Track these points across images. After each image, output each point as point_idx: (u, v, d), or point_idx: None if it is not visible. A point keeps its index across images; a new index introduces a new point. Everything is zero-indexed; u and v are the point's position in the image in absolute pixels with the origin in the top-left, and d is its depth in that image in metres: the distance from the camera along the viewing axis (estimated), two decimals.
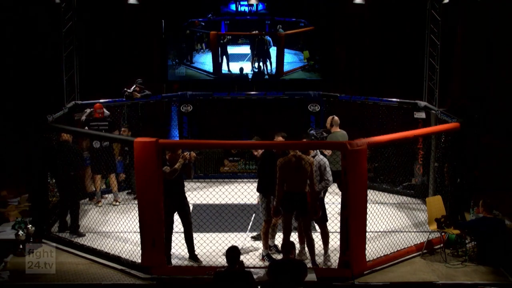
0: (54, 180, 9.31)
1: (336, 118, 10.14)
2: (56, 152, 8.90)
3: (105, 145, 9.92)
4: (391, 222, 8.66)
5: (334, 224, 8.28)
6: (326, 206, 8.25)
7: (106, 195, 10.70)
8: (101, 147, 9.89)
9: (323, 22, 12.85)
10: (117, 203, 10.31)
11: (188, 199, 10.13)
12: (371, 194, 8.52)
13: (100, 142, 9.87)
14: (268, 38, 12.75)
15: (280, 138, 8.20)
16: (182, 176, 8.12)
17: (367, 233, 7.91)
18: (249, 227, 9.03)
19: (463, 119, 9.08)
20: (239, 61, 12.89)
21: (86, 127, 10.27)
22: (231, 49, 12.88)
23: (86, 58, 12.12)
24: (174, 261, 8.10)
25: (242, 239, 8.28)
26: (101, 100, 11.05)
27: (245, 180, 10.34)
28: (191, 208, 8.35)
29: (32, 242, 8.20)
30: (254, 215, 9.15)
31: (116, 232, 8.75)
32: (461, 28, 12.79)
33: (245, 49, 12.88)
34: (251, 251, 8.39)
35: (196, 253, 8.17)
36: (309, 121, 12.13)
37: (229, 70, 12.79)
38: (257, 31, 12.75)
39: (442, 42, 10.43)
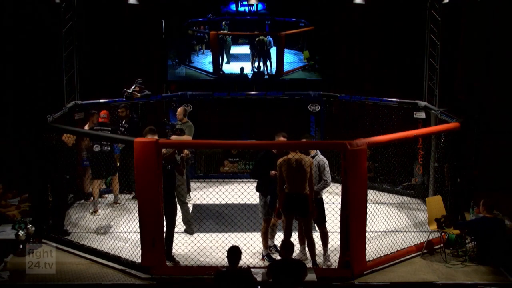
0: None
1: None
2: (52, 153, 8.86)
3: (105, 150, 9.88)
4: (391, 222, 8.66)
5: (334, 224, 8.28)
6: (326, 206, 8.25)
7: (106, 195, 10.68)
8: (101, 151, 9.85)
9: (323, 22, 12.84)
10: (117, 205, 10.26)
11: (188, 199, 10.16)
12: (371, 194, 8.51)
13: (100, 146, 9.84)
14: (269, 38, 12.75)
15: (281, 139, 8.19)
16: (173, 175, 8.14)
17: (367, 233, 7.91)
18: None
19: (463, 119, 9.09)
20: (240, 61, 12.89)
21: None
22: (232, 49, 12.88)
23: (86, 58, 12.11)
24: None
25: (243, 239, 8.28)
26: (101, 100, 11.05)
27: (245, 180, 10.32)
28: (190, 208, 8.33)
29: (32, 242, 8.20)
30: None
31: (116, 232, 8.74)
32: (461, 28, 12.78)
33: (245, 49, 12.88)
34: (251, 251, 8.41)
35: (173, 251, 8.19)
36: (309, 121, 12.13)
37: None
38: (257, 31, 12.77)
39: (442, 42, 10.44)
